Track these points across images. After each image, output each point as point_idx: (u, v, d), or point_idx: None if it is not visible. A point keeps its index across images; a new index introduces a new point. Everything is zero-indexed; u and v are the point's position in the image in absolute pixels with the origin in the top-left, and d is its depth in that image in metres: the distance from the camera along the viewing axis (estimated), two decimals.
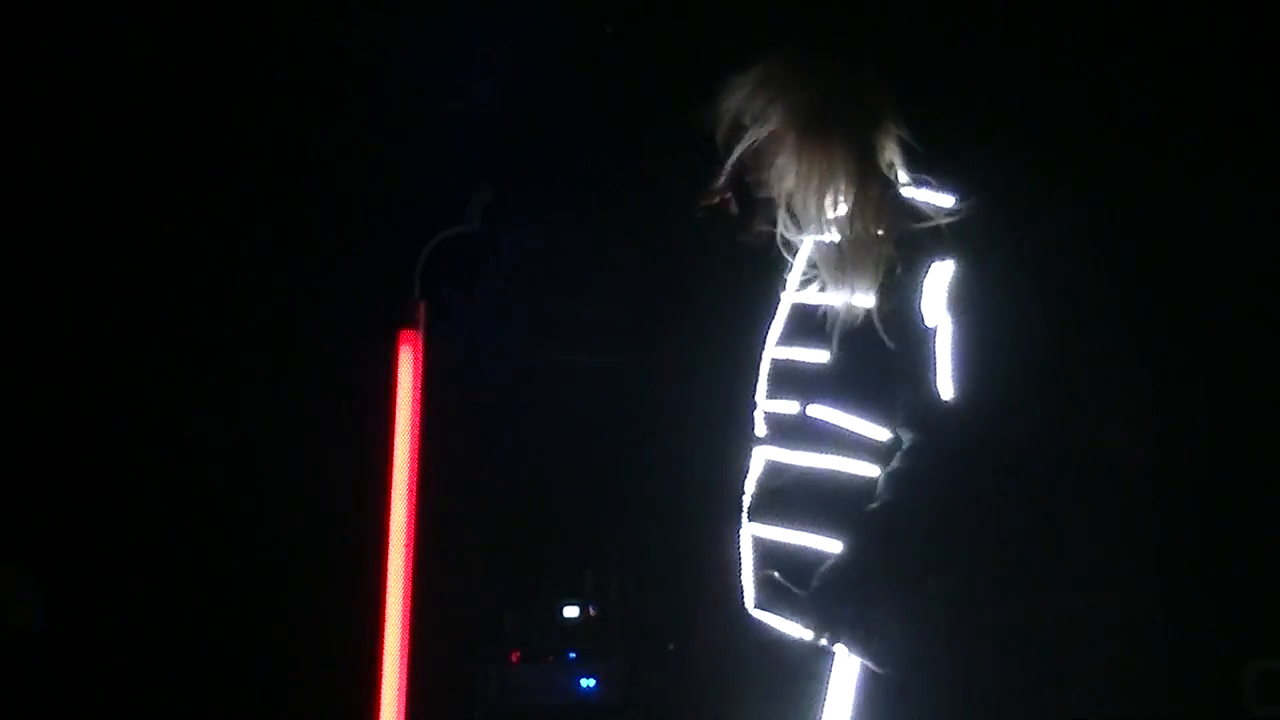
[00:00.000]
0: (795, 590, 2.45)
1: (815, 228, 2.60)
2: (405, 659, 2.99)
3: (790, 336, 2.62)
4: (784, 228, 2.62)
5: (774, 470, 2.59)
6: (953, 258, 2.52)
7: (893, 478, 2.45)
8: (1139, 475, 4.69)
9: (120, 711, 4.97)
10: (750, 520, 2.59)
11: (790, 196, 2.61)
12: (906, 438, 2.48)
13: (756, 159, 2.65)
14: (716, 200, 2.71)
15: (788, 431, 2.58)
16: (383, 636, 3.00)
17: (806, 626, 2.45)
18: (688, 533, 3.37)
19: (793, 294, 2.63)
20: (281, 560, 5.01)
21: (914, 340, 2.49)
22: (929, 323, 2.50)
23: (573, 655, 4.99)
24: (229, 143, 5.04)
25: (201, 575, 5.09)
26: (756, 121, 2.62)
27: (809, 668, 2.48)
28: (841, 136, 2.58)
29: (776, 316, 2.64)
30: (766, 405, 2.62)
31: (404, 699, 2.97)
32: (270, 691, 4.91)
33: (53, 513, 4.92)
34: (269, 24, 4.85)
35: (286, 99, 4.98)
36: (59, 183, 5.02)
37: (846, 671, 2.47)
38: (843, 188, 2.57)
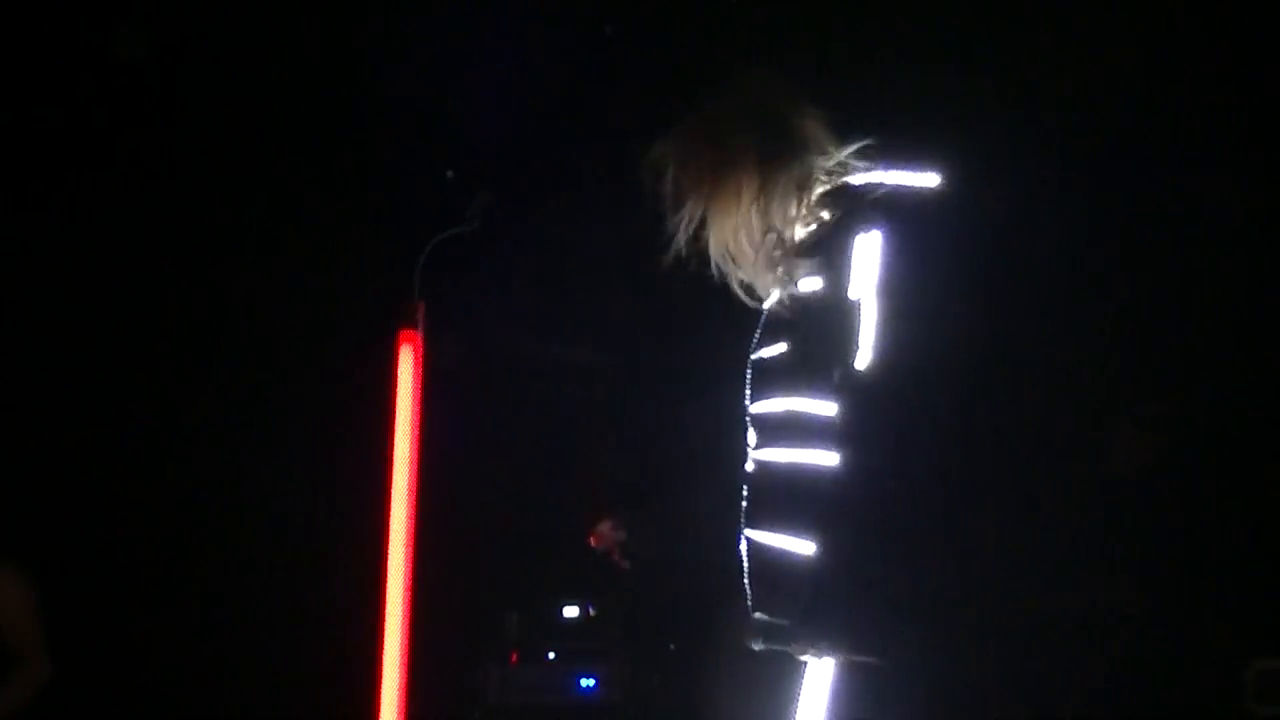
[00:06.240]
0: (781, 623, 2.43)
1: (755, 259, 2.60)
2: (405, 659, 2.99)
3: (763, 338, 2.63)
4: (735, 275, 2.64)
5: (760, 470, 2.59)
6: (876, 229, 2.47)
7: (827, 477, 2.42)
8: (1134, 472, 4.67)
9: (121, 710, 4.98)
10: (745, 524, 2.58)
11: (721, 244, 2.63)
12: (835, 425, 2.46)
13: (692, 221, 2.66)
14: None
15: (766, 430, 2.58)
16: (383, 637, 3.00)
17: (799, 652, 2.43)
18: (687, 533, 3.38)
19: (770, 300, 2.64)
20: (282, 560, 5.01)
21: (843, 318, 2.45)
22: (854, 296, 2.46)
23: (572, 655, 4.99)
24: (230, 144, 5.04)
25: (201, 575, 5.09)
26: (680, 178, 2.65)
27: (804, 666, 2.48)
28: (745, 173, 2.59)
29: (760, 323, 2.65)
30: (751, 408, 2.63)
31: (404, 699, 2.98)
32: (271, 691, 4.91)
33: (53, 514, 4.92)
34: (269, 25, 4.86)
35: (287, 100, 4.98)
36: (61, 186, 5.02)
37: (823, 667, 2.45)
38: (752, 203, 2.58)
